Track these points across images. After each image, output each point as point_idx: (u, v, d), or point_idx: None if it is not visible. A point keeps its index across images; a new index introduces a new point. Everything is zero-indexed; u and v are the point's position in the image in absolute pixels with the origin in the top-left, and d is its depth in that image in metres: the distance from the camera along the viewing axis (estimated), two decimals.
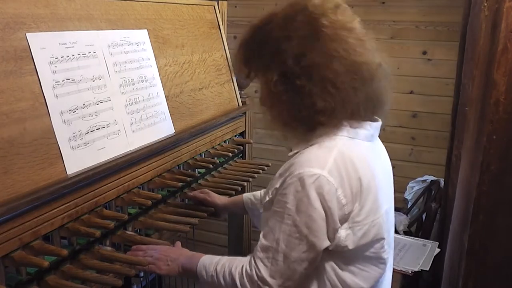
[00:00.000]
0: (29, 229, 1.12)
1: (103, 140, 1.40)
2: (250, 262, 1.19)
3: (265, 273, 1.15)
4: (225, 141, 2.06)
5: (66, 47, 1.34)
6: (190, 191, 1.71)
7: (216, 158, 1.91)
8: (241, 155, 2.18)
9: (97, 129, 1.38)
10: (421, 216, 2.58)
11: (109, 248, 1.35)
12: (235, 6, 3.04)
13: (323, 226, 1.11)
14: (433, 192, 2.63)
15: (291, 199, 1.12)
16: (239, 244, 2.30)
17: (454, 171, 2.16)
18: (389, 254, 1.27)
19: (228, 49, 2.20)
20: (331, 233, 1.13)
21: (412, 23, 2.70)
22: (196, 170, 1.81)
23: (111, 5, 1.57)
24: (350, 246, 1.15)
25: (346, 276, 1.19)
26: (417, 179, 2.71)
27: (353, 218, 1.14)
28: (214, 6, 2.18)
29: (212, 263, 1.26)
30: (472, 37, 1.93)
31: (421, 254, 2.15)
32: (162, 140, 1.60)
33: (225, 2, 2.28)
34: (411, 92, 2.76)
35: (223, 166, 2.00)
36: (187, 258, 1.33)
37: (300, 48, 1.12)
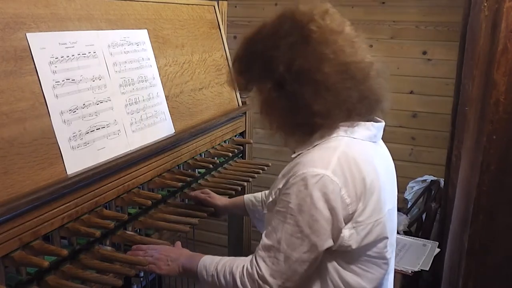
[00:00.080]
0: (29, 229, 1.12)
1: (103, 140, 1.40)
2: (251, 261, 1.19)
3: (266, 272, 1.15)
4: (225, 141, 2.06)
5: (66, 47, 1.34)
6: (190, 191, 1.71)
7: (216, 158, 1.91)
8: (241, 155, 2.18)
9: (97, 129, 1.38)
10: (421, 216, 2.58)
11: (109, 248, 1.35)
12: (235, 6, 3.04)
13: (325, 226, 1.11)
14: (433, 192, 2.63)
15: (294, 198, 1.12)
16: (239, 244, 2.30)
17: (454, 171, 2.16)
18: (392, 255, 1.27)
19: (228, 49, 2.20)
20: (336, 233, 1.13)
21: (412, 23, 2.70)
22: (196, 170, 1.81)
23: (111, 5, 1.57)
24: (354, 246, 1.15)
25: (349, 276, 1.19)
26: (417, 179, 2.71)
27: (356, 218, 1.14)
28: (214, 6, 2.18)
29: (213, 263, 1.26)
30: (472, 37, 1.93)
31: (421, 254, 2.15)
32: (162, 140, 1.60)
33: (225, 2, 2.28)
34: (411, 92, 2.76)
35: (223, 166, 2.00)
36: (187, 258, 1.33)
37: (289, 55, 1.15)
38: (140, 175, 1.50)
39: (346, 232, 1.14)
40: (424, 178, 2.70)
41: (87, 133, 1.34)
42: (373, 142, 1.24)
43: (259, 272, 1.15)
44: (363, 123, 1.21)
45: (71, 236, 1.25)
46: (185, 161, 1.76)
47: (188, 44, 1.93)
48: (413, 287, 2.28)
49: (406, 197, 2.71)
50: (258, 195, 1.66)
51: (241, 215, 2.16)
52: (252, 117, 2.27)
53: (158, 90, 1.68)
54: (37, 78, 1.23)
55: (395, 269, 1.59)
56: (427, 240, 2.32)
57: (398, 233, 2.38)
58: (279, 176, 1.21)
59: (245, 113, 2.20)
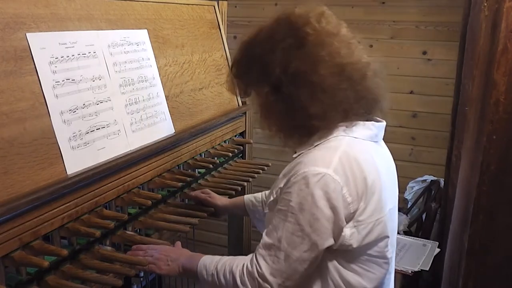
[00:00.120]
0: (29, 229, 1.12)
1: (103, 140, 1.40)
2: (251, 259, 1.19)
3: (266, 270, 1.15)
4: (225, 141, 2.06)
5: (66, 47, 1.34)
6: (190, 191, 1.71)
7: (216, 158, 1.91)
8: (241, 155, 2.18)
9: (97, 129, 1.38)
10: (421, 216, 2.58)
11: (109, 248, 1.35)
12: (235, 6, 3.04)
13: (326, 225, 1.12)
14: (433, 192, 2.63)
15: (295, 197, 1.12)
16: (239, 244, 2.30)
17: (454, 171, 2.16)
18: (392, 254, 1.28)
19: (228, 49, 2.20)
20: (337, 232, 1.14)
21: (412, 23, 2.70)
22: (196, 170, 1.81)
23: (111, 5, 1.57)
24: (355, 245, 1.15)
25: (350, 276, 1.19)
26: (417, 179, 2.71)
27: (357, 217, 1.15)
28: (214, 6, 2.18)
29: (213, 262, 1.26)
30: (472, 37, 1.93)
31: (421, 254, 2.15)
32: (162, 140, 1.60)
33: (225, 2, 2.28)
34: (411, 92, 2.76)
35: (223, 166, 2.00)
36: (187, 258, 1.33)
37: (285, 58, 1.16)
38: (140, 175, 1.50)
39: (347, 231, 1.14)
40: (424, 178, 2.70)
41: (87, 133, 1.34)
42: (374, 141, 1.25)
43: (259, 270, 1.16)
44: (362, 122, 1.21)
45: (71, 236, 1.25)
46: (185, 161, 1.76)
47: (188, 44, 1.93)
48: (413, 287, 2.28)
49: (406, 197, 2.71)
50: (258, 195, 1.66)
51: (241, 215, 2.15)
52: (252, 117, 2.27)
53: (158, 90, 1.69)
54: (37, 78, 1.23)
55: (395, 269, 1.59)
56: (427, 240, 2.31)
57: (398, 233, 2.38)
58: (280, 176, 1.22)
59: (245, 113, 2.21)
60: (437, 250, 2.18)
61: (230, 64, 1.34)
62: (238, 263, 1.21)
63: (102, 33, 1.49)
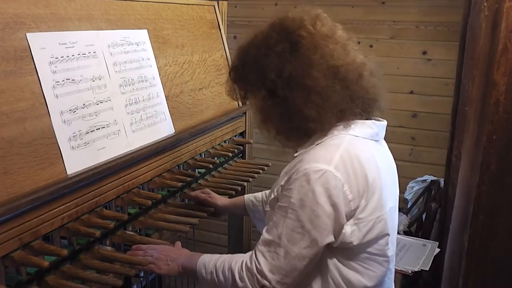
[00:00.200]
0: (29, 229, 1.12)
1: (103, 140, 1.40)
2: (251, 256, 1.20)
3: (265, 267, 1.15)
4: (225, 141, 2.06)
5: (66, 47, 1.34)
6: (190, 191, 1.71)
7: (216, 158, 1.91)
8: (241, 155, 2.18)
9: (97, 129, 1.38)
10: (421, 216, 2.58)
11: (109, 248, 1.35)
12: (235, 6, 3.04)
13: (327, 222, 1.12)
14: (433, 192, 2.63)
15: (296, 194, 1.13)
16: (239, 244, 2.30)
17: (454, 171, 2.16)
18: (393, 253, 1.28)
19: (228, 49, 2.20)
20: (337, 229, 1.14)
21: (412, 23, 2.70)
22: (196, 170, 1.81)
23: (111, 5, 1.57)
24: (355, 242, 1.16)
25: (350, 274, 1.20)
26: (417, 179, 2.71)
27: (358, 215, 1.15)
28: (214, 6, 2.18)
29: (212, 260, 1.27)
30: (472, 37, 1.93)
31: (421, 254, 2.15)
32: (162, 140, 1.60)
33: (225, 2, 2.28)
34: (411, 92, 2.76)
35: (223, 166, 2.00)
36: (187, 258, 1.33)
37: (279, 62, 1.18)
38: (140, 175, 1.50)
39: (348, 228, 1.15)
40: (424, 178, 2.70)
41: (87, 133, 1.34)
42: (375, 140, 1.26)
43: (258, 267, 1.16)
44: (361, 121, 1.22)
45: (71, 236, 1.25)
46: (185, 161, 1.76)
47: (188, 44, 1.93)
48: (413, 287, 2.28)
49: (406, 197, 2.71)
50: (259, 195, 1.66)
51: (241, 215, 2.16)
52: (252, 117, 2.27)
53: (158, 90, 1.68)
54: (37, 78, 1.23)
55: (395, 269, 1.59)
56: (427, 240, 2.31)
57: (398, 233, 2.38)
58: (282, 174, 1.23)
59: (245, 113, 2.21)
60: (437, 250, 2.18)
61: (229, 65, 1.36)
62: (237, 260, 1.22)
63: (102, 33, 1.49)
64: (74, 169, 1.27)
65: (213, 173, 1.91)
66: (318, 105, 1.16)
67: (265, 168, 2.02)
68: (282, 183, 1.19)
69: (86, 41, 1.42)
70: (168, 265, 1.33)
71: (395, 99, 2.73)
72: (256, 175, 1.96)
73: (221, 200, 1.69)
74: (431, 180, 2.67)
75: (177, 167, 1.71)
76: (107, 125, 1.43)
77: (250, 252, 1.22)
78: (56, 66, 1.29)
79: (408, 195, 2.71)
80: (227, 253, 1.31)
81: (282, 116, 1.22)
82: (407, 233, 2.44)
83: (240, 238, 2.31)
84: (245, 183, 1.89)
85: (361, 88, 1.20)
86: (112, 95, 1.47)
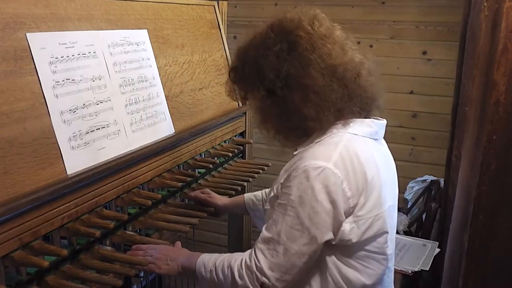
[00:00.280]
0: (29, 229, 1.12)
1: (103, 140, 1.40)
2: (250, 254, 1.20)
3: (264, 264, 1.16)
4: (225, 141, 2.06)
5: (66, 47, 1.34)
6: (190, 191, 1.71)
7: (216, 158, 1.91)
8: (241, 155, 2.18)
9: (97, 129, 1.38)
10: (421, 216, 2.58)
11: (109, 248, 1.35)
12: (235, 6, 3.04)
13: (326, 219, 1.13)
14: (433, 192, 2.63)
15: (295, 191, 1.14)
16: (239, 244, 2.30)
17: (454, 171, 2.16)
18: (392, 251, 1.29)
19: (228, 49, 2.20)
20: (336, 226, 1.15)
21: (412, 23, 2.69)
22: (196, 170, 1.81)
23: (111, 5, 1.57)
24: (354, 240, 1.16)
25: (349, 272, 1.20)
26: (417, 179, 2.71)
27: (357, 212, 1.16)
28: (214, 6, 2.18)
29: (211, 259, 1.27)
30: (472, 37, 1.93)
31: (421, 254, 2.15)
32: (162, 140, 1.60)
33: (225, 2, 2.28)
34: (411, 92, 2.76)
35: (223, 166, 2.00)
36: (186, 257, 1.33)
37: (277, 62, 1.19)
38: (140, 175, 1.50)
39: (347, 226, 1.15)
40: (424, 178, 2.70)
41: (87, 133, 1.34)
42: (375, 139, 1.26)
43: (258, 264, 1.16)
44: (360, 119, 1.23)
45: (71, 236, 1.25)
46: (185, 161, 1.76)
47: (188, 44, 1.93)
48: (413, 287, 2.28)
49: (406, 197, 2.71)
50: (259, 193, 1.67)
51: (241, 214, 2.16)
52: (252, 117, 2.27)
53: (158, 90, 1.68)
54: (37, 78, 1.23)
55: (395, 269, 1.59)
56: (427, 240, 2.31)
57: (398, 233, 2.38)
58: (282, 172, 1.24)
59: (245, 113, 2.21)
60: (437, 250, 2.18)
61: (229, 66, 1.37)
62: (236, 258, 1.22)
63: (102, 33, 1.49)
64: (74, 169, 1.27)
65: (213, 173, 1.91)
66: (317, 104, 1.17)
67: (265, 168, 2.02)
68: (282, 181, 1.20)
69: (86, 41, 1.42)
70: (168, 265, 1.33)
71: (395, 99, 2.73)
72: (256, 175, 1.96)
73: (221, 200, 1.70)
74: (431, 180, 2.66)
75: (177, 167, 1.71)
76: (107, 125, 1.43)
77: (249, 250, 1.22)
78: (56, 66, 1.29)
79: (408, 195, 2.71)
80: (227, 253, 1.31)
81: (281, 115, 1.23)
82: (407, 233, 2.44)
83: (240, 238, 2.31)
84: (245, 183, 1.90)
85: (359, 87, 1.21)
86: (112, 95, 1.47)
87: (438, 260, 2.13)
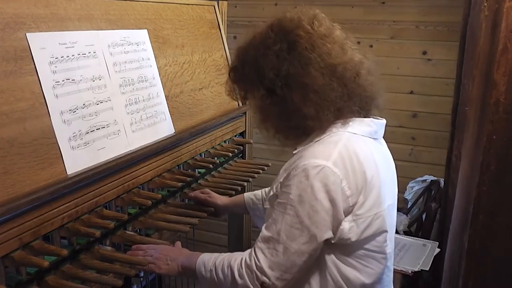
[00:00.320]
0: (29, 229, 1.12)
1: (103, 140, 1.40)
2: (250, 253, 1.20)
3: (264, 263, 1.16)
4: (225, 141, 2.06)
5: (66, 47, 1.34)
6: (190, 191, 1.71)
7: (216, 158, 1.91)
8: (241, 155, 2.18)
9: (97, 129, 1.38)
10: (421, 216, 2.58)
11: (109, 248, 1.35)
12: (235, 6, 3.04)
13: (325, 218, 1.13)
14: (433, 192, 2.63)
15: (295, 189, 1.14)
16: (239, 244, 2.30)
17: (454, 171, 2.16)
18: (391, 250, 1.29)
19: (228, 49, 2.20)
20: (335, 225, 1.15)
21: (412, 23, 2.69)
22: (196, 170, 1.81)
23: (111, 5, 1.57)
24: (353, 238, 1.17)
25: (348, 271, 1.20)
26: (417, 179, 2.71)
27: (356, 211, 1.16)
28: (214, 6, 2.18)
29: (211, 259, 1.27)
30: (472, 37, 1.93)
31: (421, 254, 2.15)
32: (162, 140, 1.60)
33: (225, 2, 2.28)
34: (411, 92, 2.76)
35: (223, 166, 2.00)
36: (186, 257, 1.33)
37: (277, 61, 1.20)
38: (140, 175, 1.50)
39: (346, 225, 1.16)
40: (424, 178, 2.70)
41: (87, 133, 1.34)
42: (374, 138, 1.26)
43: (258, 263, 1.16)
44: (359, 119, 1.24)
45: (71, 236, 1.25)
46: (185, 161, 1.76)
47: (188, 44, 1.93)
48: (413, 287, 2.28)
49: (406, 197, 2.71)
50: (258, 192, 1.67)
51: (241, 214, 2.16)
52: (252, 117, 2.27)
53: (158, 90, 1.68)
54: (37, 78, 1.23)
55: (395, 269, 1.59)
56: (427, 240, 2.31)
57: (398, 233, 2.38)
58: (281, 171, 1.24)
59: (245, 113, 2.21)
60: (437, 250, 2.18)
61: (229, 66, 1.37)
62: (236, 258, 1.22)
63: (102, 33, 1.49)
64: (74, 169, 1.27)
65: (213, 173, 1.91)
66: (316, 103, 1.18)
67: (265, 168, 2.02)
68: (281, 180, 1.20)
69: (86, 41, 1.42)
70: (168, 264, 1.33)
71: (395, 99, 2.73)
72: (256, 175, 1.96)
73: (221, 199, 1.70)
74: (431, 180, 2.66)
75: (177, 167, 1.71)
76: (107, 125, 1.43)
77: (249, 250, 1.22)
78: (56, 66, 1.29)
79: (408, 195, 2.71)
80: (227, 253, 1.31)
81: (280, 114, 1.23)
82: (407, 233, 2.44)
83: (240, 238, 2.31)
84: (245, 183, 1.90)
85: (359, 86, 1.22)
86: (112, 95, 1.47)
87: (438, 260, 2.13)
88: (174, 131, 1.71)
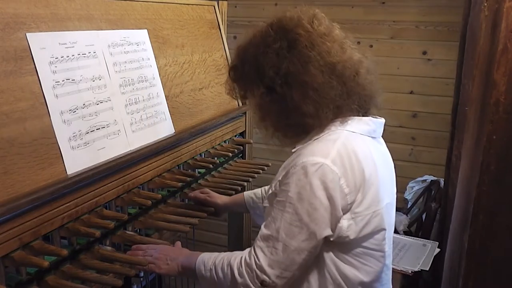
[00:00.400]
0: (29, 229, 1.12)
1: (103, 140, 1.40)
2: (249, 252, 1.21)
3: (264, 262, 1.16)
4: (225, 141, 2.06)
5: (66, 47, 1.34)
6: (190, 191, 1.71)
7: (216, 158, 1.91)
8: (241, 155, 2.18)
9: (97, 129, 1.38)
10: (421, 216, 2.58)
11: (109, 248, 1.35)
12: (235, 6, 3.04)
13: (324, 215, 1.13)
14: (433, 192, 2.63)
15: (294, 187, 1.14)
16: (239, 244, 2.30)
17: (454, 171, 2.16)
18: (390, 249, 1.29)
19: (228, 49, 2.20)
20: (334, 222, 1.15)
21: (412, 23, 2.69)
22: (196, 170, 1.81)
23: (111, 5, 1.57)
24: (352, 236, 1.17)
25: (347, 269, 1.21)
26: (417, 179, 2.71)
27: (354, 209, 1.17)
28: (214, 6, 2.18)
29: (211, 258, 1.27)
30: (472, 37, 1.93)
31: (421, 254, 2.15)
32: (162, 140, 1.60)
33: (225, 2, 2.28)
34: (411, 92, 2.76)
35: (223, 166, 2.00)
36: (186, 257, 1.33)
37: (277, 59, 1.20)
38: (140, 175, 1.50)
39: (345, 222, 1.16)
40: (424, 178, 2.70)
41: (87, 133, 1.34)
42: (373, 137, 1.27)
43: (257, 262, 1.17)
44: (358, 117, 1.24)
45: (71, 236, 1.25)
46: (185, 161, 1.76)
47: (188, 44, 1.93)
48: (413, 287, 2.28)
49: (406, 197, 2.71)
50: (258, 191, 1.67)
51: (241, 213, 2.16)
52: (252, 117, 2.27)
53: (158, 90, 1.68)
54: (37, 78, 1.23)
55: (395, 269, 1.59)
56: (427, 240, 2.31)
57: (398, 233, 2.38)
58: (280, 169, 1.24)
59: (245, 113, 2.21)
60: (437, 250, 2.18)
61: (229, 65, 1.38)
62: (236, 256, 1.23)
63: (102, 33, 1.49)
64: (74, 169, 1.27)
65: (213, 173, 1.91)
66: (316, 101, 1.18)
67: (265, 168, 2.02)
68: (280, 178, 1.20)
69: (86, 41, 1.42)
70: (168, 264, 1.33)
71: (395, 99, 2.73)
72: (256, 175, 1.96)
73: (221, 199, 1.70)
74: (431, 180, 2.66)
75: (177, 167, 1.71)
76: (107, 125, 1.43)
77: (249, 248, 1.23)
78: (56, 66, 1.29)
79: (408, 195, 2.71)
80: (226, 252, 1.31)
81: (280, 112, 1.23)
82: (407, 233, 2.44)
83: (240, 238, 2.31)
84: (245, 183, 1.90)
85: (358, 85, 1.22)
86: (112, 95, 1.47)
87: (438, 260, 2.13)
88: (174, 131, 1.71)
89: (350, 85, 1.20)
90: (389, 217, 1.28)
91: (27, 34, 1.23)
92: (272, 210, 1.19)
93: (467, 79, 1.98)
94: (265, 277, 1.16)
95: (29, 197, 1.10)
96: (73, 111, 1.31)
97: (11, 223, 1.07)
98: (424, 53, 2.69)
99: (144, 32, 1.69)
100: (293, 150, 1.25)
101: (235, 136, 2.14)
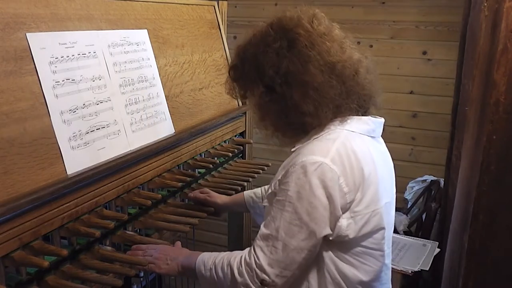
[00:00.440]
0: (29, 229, 1.12)
1: (103, 140, 1.40)
2: (249, 251, 1.21)
3: (263, 261, 1.16)
4: (225, 141, 2.06)
5: (66, 47, 1.34)
6: (190, 191, 1.71)
7: (216, 158, 1.91)
8: (241, 155, 2.18)
9: (97, 129, 1.38)
10: (421, 216, 2.58)
11: (109, 248, 1.35)
12: (235, 6, 3.04)
13: (324, 214, 1.13)
14: (433, 192, 2.63)
15: (293, 186, 1.14)
16: (239, 244, 2.30)
17: (454, 171, 2.16)
18: (389, 248, 1.29)
19: (228, 49, 2.20)
20: (333, 221, 1.15)
21: (412, 23, 2.69)
22: (196, 170, 1.81)
23: (111, 5, 1.57)
24: (351, 235, 1.17)
25: (346, 268, 1.21)
26: (417, 179, 2.71)
27: (354, 208, 1.17)
28: (214, 6, 2.18)
29: (211, 257, 1.27)
30: (472, 37, 1.93)
31: (421, 254, 2.15)
32: (162, 140, 1.60)
33: (225, 2, 2.28)
34: (411, 92, 2.76)
35: (223, 166, 2.00)
36: (186, 257, 1.34)
37: (277, 59, 1.20)
38: (140, 175, 1.50)
39: (344, 221, 1.16)
40: (424, 178, 2.70)
41: (87, 133, 1.34)
42: (372, 137, 1.27)
43: (257, 261, 1.17)
44: (357, 117, 1.25)
45: (71, 236, 1.25)
46: (185, 161, 1.76)
47: (188, 44, 1.93)
48: (413, 287, 2.28)
49: (406, 197, 2.71)
50: (258, 190, 1.67)
51: (241, 212, 2.16)
52: (252, 117, 2.27)
53: (158, 90, 1.68)
54: (37, 78, 1.23)
55: (395, 269, 1.59)
56: (427, 240, 2.31)
57: (398, 233, 2.38)
58: (279, 169, 1.24)
59: (245, 113, 2.21)
60: (437, 250, 2.18)
61: (229, 65, 1.38)
62: (236, 256, 1.23)
63: (102, 33, 1.49)
64: (74, 169, 1.27)
65: (213, 173, 1.91)
66: (316, 100, 1.18)
67: (265, 168, 2.02)
68: (280, 177, 1.20)
69: (86, 41, 1.42)
70: (168, 264, 1.33)
71: (395, 99, 2.73)
72: (256, 175, 1.96)
73: (221, 198, 1.70)
74: (431, 180, 2.66)
75: (177, 167, 1.71)
76: (107, 125, 1.43)
77: (248, 248, 1.23)
78: (56, 66, 1.29)
79: (408, 195, 2.71)
80: (226, 252, 1.31)
81: (279, 112, 1.24)
82: (407, 233, 2.44)
83: (240, 238, 2.31)
84: (245, 183, 1.90)
85: (357, 84, 1.22)
86: (112, 95, 1.47)
87: (438, 260, 2.13)
88: (174, 131, 1.71)
89: (349, 85, 1.21)
90: (389, 216, 1.29)
91: (27, 34, 1.23)
92: (271, 209, 1.19)
93: (467, 79, 1.98)
94: (265, 276, 1.16)
95: (29, 197, 1.10)
96: (73, 111, 1.31)
97: (11, 223, 1.07)
98: (424, 53, 2.69)
99: (144, 32, 1.69)
100: (292, 150, 1.25)
101: (235, 136, 2.14)
